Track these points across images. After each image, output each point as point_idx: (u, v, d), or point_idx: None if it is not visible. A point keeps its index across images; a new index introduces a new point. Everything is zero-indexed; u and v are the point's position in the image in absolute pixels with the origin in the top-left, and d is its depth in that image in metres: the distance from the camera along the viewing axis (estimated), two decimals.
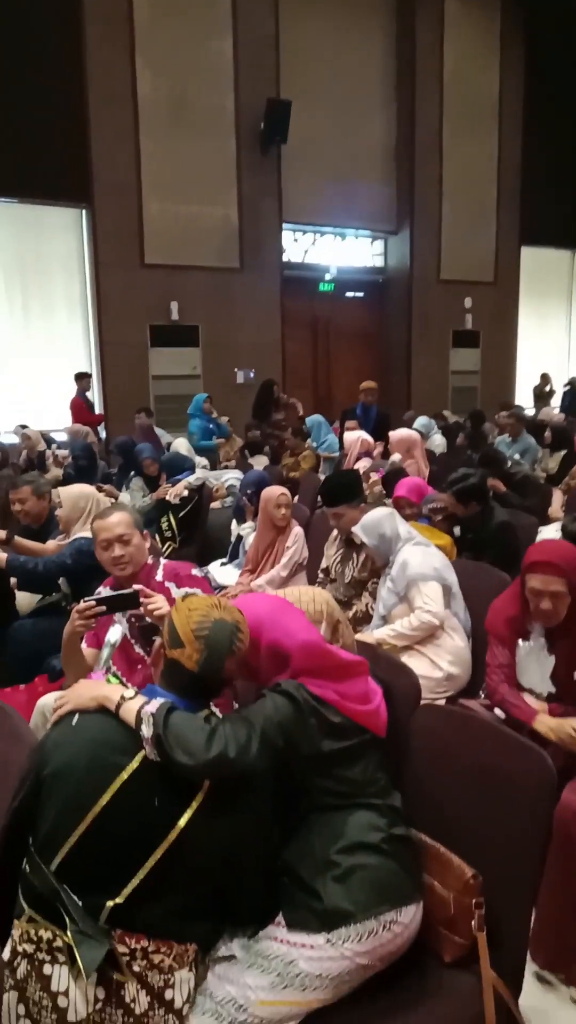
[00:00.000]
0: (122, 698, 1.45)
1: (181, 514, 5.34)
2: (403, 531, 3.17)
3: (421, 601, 2.94)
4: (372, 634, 2.98)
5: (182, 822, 1.35)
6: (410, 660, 2.78)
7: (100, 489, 5.29)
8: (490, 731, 1.72)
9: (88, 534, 3.37)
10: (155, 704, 1.42)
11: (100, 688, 1.50)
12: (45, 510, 3.79)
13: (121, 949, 1.33)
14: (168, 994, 1.37)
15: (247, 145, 10.29)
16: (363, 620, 3.31)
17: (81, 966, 1.24)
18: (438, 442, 8.05)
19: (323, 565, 3.66)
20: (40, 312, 9.67)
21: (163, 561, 2.54)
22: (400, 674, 1.99)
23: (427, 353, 12.24)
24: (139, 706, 1.42)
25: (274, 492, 4.04)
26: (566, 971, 2.00)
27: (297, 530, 4.07)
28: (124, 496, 5.83)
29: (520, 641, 2.19)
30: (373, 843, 1.54)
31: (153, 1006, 1.35)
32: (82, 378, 8.85)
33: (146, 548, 2.48)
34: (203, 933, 1.44)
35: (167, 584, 2.44)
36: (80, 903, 1.31)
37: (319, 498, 4.01)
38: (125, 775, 1.37)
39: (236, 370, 10.66)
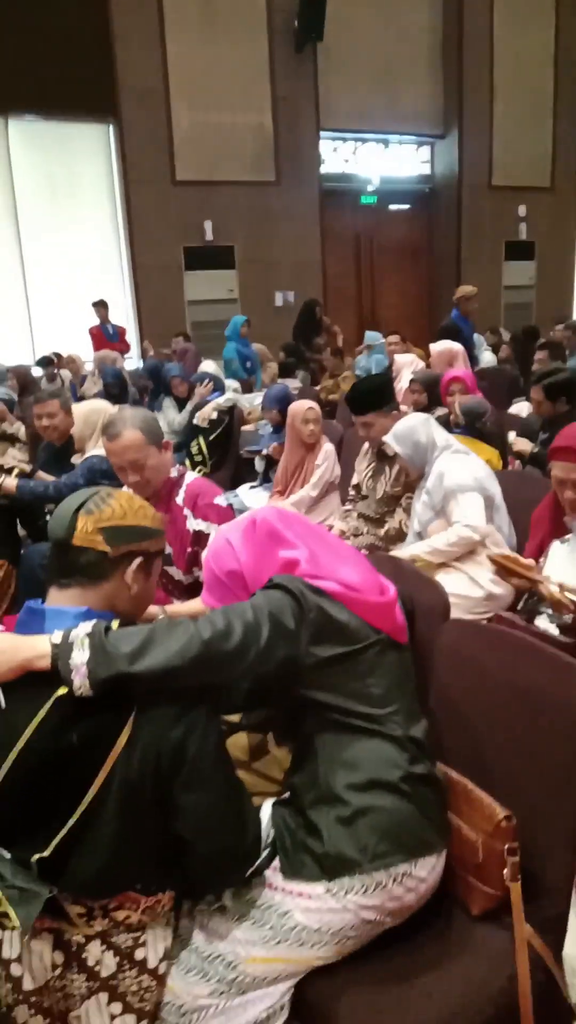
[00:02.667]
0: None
1: (211, 437, 5.09)
2: (440, 439, 2.85)
3: (460, 514, 2.64)
4: (405, 550, 2.71)
5: (110, 760, 1.11)
6: (447, 578, 2.51)
7: None
8: (528, 648, 1.44)
9: (101, 451, 3.17)
10: (87, 625, 1.14)
11: (19, 650, 1.14)
12: (71, 426, 3.55)
13: (77, 910, 1.14)
14: (139, 953, 1.18)
15: (280, 44, 9.58)
16: (396, 538, 3.04)
17: (15, 923, 1.04)
18: (487, 359, 7.64)
19: (354, 481, 3.37)
20: (70, 235, 9.33)
21: (189, 477, 2.27)
22: (426, 588, 1.73)
23: (478, 267, 11.48)
24: (57, 638, 1.13)
25: (301, 407, 3.73)
26: None
27: (328, 447, 3.77)
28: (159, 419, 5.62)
29: (556, 542, 1.95)
30: (391, 781, 1.29)
31: (122, 967, 1.17)
32: (100, 306, 8.59)
33: (167, 460, 2.19)
34: (171, 880, 1.22)
35: (185, 511, 2.19)
36: (8, 856, 1.11)
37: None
38: (29, 731, 1.10)
39: (275, 292, 10.20)
